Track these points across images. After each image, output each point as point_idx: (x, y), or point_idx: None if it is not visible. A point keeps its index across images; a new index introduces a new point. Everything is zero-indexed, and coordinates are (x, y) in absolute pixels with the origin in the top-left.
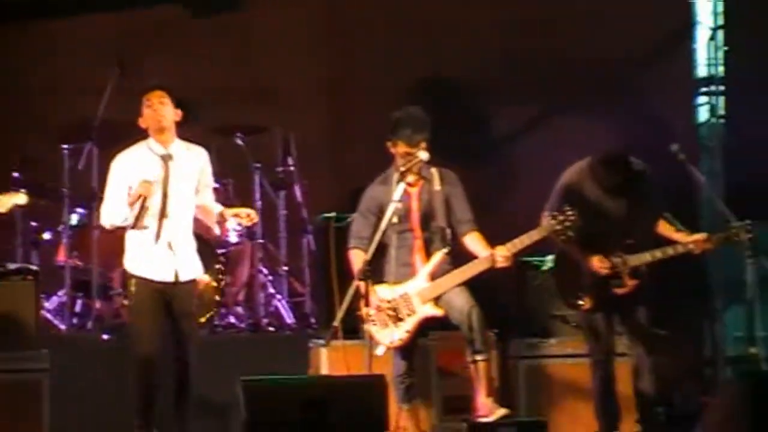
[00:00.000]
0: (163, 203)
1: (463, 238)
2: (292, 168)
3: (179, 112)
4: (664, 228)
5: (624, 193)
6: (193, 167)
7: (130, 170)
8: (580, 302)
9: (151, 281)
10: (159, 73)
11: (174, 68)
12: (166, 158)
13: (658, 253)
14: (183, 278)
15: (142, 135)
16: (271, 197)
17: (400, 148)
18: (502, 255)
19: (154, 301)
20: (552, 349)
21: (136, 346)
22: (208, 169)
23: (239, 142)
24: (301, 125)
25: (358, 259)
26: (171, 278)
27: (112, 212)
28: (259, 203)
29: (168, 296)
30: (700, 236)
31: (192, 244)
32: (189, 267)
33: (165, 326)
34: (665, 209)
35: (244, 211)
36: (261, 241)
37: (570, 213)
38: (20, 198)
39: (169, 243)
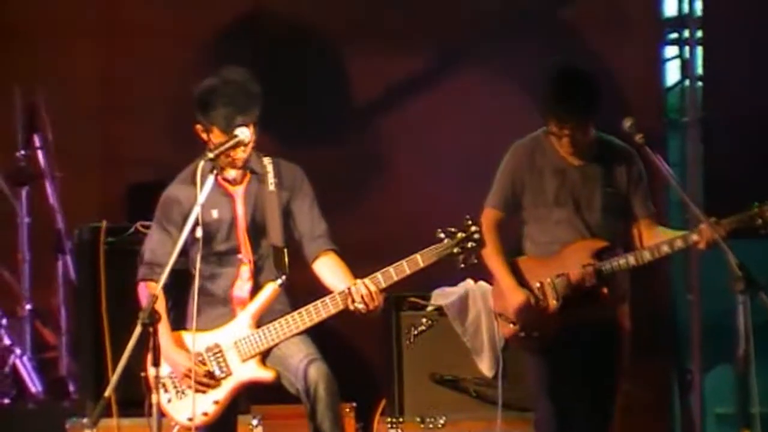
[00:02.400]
0: None
1: (313, 262)
2: (41, 151)
3: None
4: (647, 227)
5: (594, 160)
6: None
7: None
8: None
9: None
10: None
11: None
12: None
13: (646, 254)
14: None
15: None
16: (8, 197)
17: (215, 136)
18: (362, 293)
19: None
20: None
21: None
22: None
23: None
24: (54, 84)
25: (148, 293)
26: None
27: None
28: None
29: None
30: (706, 223)
31: None
32: None
33: None
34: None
35: None
36: None
37: (473, 227)
38: None
39: None
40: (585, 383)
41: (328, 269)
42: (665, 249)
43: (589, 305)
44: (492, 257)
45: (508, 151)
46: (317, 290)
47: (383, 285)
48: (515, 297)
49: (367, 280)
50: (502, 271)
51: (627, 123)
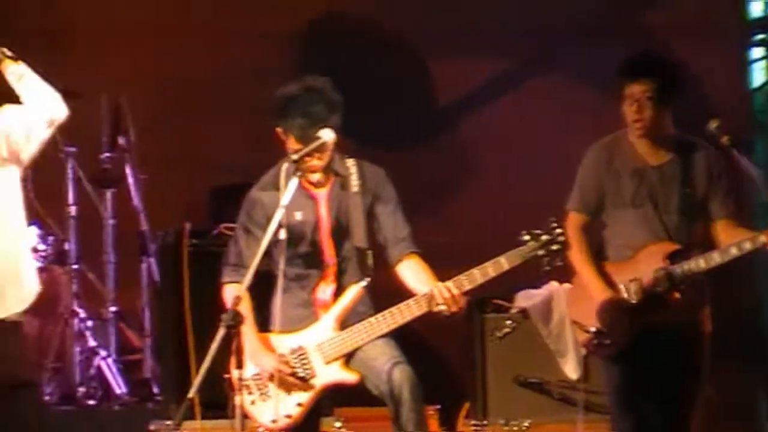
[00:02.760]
0: None
1: (396, 265)
2: (126, 154)
3: None
4: (725, 228)
5: (673, 160)
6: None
7: None
8: (605, 341)
9: None
10: None
11: None
12: None
13: (716, 257)
14: None
15: None
16: (93, 199)
17: (291, 144)
18: (445, 295)
19: None
20: None
21: None
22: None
23: None
24: (136, 89)
25: (232, 295)
26: None
27: None
28: (73, 209)
29: None
30: None
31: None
32: None
33: None
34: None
35: None
36: (76, 267)
37: (558, 230)
38: None
39: None
40: (663, 390)
41: (411, 272)
42: (733, 251)
43: (662, 310)
44: (579, 261)
45: (587, 153)
46: (400, 293)
47: (467, 287)
48: (601, 299)
49: (450, 283)
50: (590, 274)
51: (713, 125)
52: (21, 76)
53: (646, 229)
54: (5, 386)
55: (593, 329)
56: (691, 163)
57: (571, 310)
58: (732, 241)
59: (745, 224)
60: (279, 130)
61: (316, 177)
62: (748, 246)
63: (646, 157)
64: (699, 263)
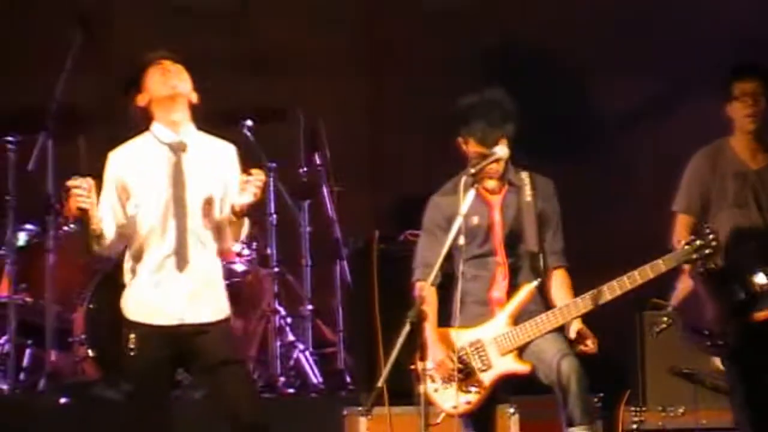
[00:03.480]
0: (176, 214)
1: (546, 273)
2: (321, 169)
3: (196, 96)
4: None
5: None
6: (216, 164)
7: (126, 170)
8: (717, 341)
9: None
10: (134, 37)
11: (154, 31)
12: (176, 147)
13: None
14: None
15: (129, 126)
16: (292, 209)
17: (471, 147)
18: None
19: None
20: (679, 421)
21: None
22: (236, 168)
23: (246, 131)
24: (334, 111)
25: (421, 292)
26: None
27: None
28: (274, 217)
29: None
30: None
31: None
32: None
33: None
34: None
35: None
36: (277, 269)
37: (711, 236)
38: None
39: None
40: None
41: (556, 283)
42: None
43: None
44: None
45: (692, 160)
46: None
47: (628, 287)
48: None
49: (615, 283)
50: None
51: None
52: None
53: (750, 228)
54: (217, 363)
55: (706, 332)
56: None
57: (687, 315)
58: None
59: None
60: (460, 139)
61: (491, 184)
62: None
63: (747, 161)
64: None
